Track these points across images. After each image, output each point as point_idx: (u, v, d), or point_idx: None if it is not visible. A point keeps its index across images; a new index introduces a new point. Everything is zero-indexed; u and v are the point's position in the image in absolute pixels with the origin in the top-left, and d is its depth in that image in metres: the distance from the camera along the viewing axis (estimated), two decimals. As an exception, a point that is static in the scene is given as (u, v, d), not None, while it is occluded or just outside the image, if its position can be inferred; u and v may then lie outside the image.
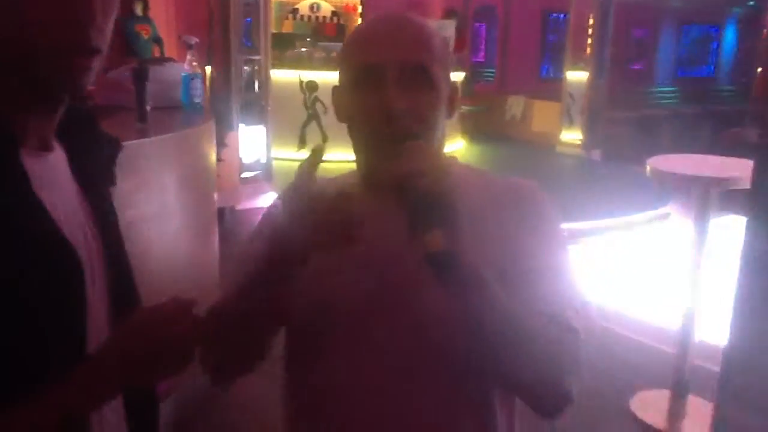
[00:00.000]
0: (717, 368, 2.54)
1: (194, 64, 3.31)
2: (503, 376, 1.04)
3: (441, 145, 1.10)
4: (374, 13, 1.12)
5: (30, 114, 0.84)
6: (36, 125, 0.85)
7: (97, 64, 0.84)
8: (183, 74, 3.27)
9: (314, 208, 0.90)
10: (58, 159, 0.90)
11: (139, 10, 8.28)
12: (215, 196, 3.43)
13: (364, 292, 1.05)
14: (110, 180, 1.04)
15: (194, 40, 3.43)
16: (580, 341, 0.99)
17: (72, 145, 0.93)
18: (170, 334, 0.83)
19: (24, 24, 0.78)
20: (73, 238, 0.85)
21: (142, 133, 2.73)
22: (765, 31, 13.26)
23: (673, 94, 14.54)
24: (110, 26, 0.85)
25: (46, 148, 0.88)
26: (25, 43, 0.78)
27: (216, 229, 3.38)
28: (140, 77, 2.83)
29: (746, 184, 2.32)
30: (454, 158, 1.16)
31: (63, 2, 0.78)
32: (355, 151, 1.12)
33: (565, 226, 1.16)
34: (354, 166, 1.17)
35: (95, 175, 0.98)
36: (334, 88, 1.13)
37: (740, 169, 2.80)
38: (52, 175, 0.87)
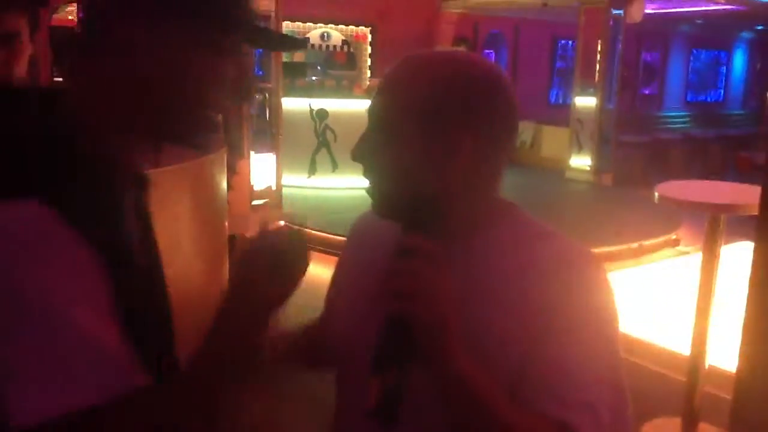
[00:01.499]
0: (728, 396, 2.52)
1: (206, 94, 3.36)
2: None
3: (482, 206, 1.01)
4: (392, 48, 1.07)
5: (139, 151, 0.95)
6: (140, 160, 0.97)
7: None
8: (195, 104, 3.31)
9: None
10: None
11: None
12: (226, 224, 3.46)
13: (368, 328, 1.02)
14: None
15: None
16: None
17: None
18: (282, 260, 0.88)
19: (190, 82, 0.89)
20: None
21: (155, 163, 2.76)
22: (774, 55, 13.27)
23: (682, 119, 14.55)
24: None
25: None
26: (186, 97, 0.89)
27: (227, 258, 3.40)
28: (153, 108, 2.87)
29: (755, 210, 2.32)
30: (512, 206, 1.05)
31: (223, 69, 0.90)
32: None
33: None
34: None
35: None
36: None
37: (750, 196, 2.81)
38: None
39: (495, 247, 0.94)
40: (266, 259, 0.86)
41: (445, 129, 0.94)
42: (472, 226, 1.00)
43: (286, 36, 0.96)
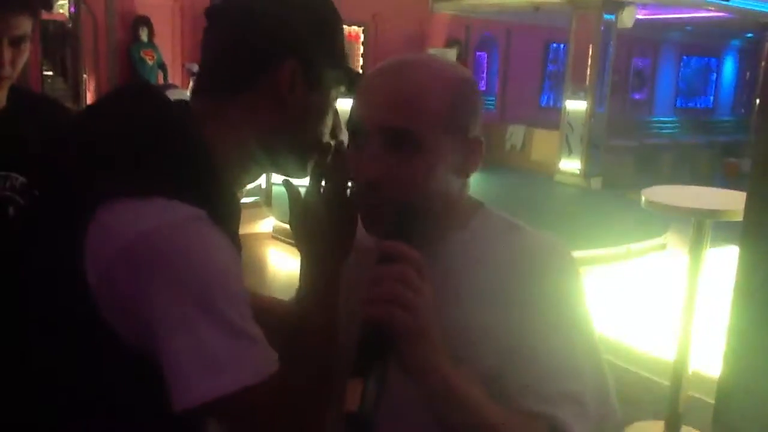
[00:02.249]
0: (711, 400, 2.54)
1: (196, 91, 3.35)
2: None
3: (454, 208, 1.00)
4: (377, 53, 1.08)
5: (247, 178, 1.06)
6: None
7: None
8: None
9: None
10: None
11: (144, 36, 8.38)
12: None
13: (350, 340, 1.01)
14: None
15: (197, 67, 3.47)
16: None
17: None
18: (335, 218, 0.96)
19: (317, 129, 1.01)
20: None
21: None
22: (763, 63, 13.38)
23: (672, 124, 14.63)
24: None
25: None
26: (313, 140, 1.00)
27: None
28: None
29: (740, 216, 2.34)
30: (481, 205, 1.05)
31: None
32: None
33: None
34: None
35: None
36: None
37: (735, 201, 2.83)
38: None
39: (468, 246, 0.94)
40: (323, 214, 0.95)
41: (462, 134, 0.96)
42: (445, 227, 1.00)
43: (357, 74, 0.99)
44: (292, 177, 1.03)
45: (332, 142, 1.00)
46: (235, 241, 0.95)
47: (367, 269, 0.83)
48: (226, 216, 0.92)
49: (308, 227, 0.97)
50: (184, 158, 0.89)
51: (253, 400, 0.82)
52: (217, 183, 0.92)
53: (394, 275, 0.79)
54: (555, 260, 0.99)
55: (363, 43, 11.15)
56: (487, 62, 12.90)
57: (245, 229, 6.46)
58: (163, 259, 0.82)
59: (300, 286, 0.97)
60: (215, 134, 0.94)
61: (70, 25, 8.69)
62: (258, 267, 6.06)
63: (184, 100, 0.99)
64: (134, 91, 1.00)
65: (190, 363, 0.81)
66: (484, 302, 0.92)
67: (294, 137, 0.99)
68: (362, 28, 11.03)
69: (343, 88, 1.02)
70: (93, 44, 8.38)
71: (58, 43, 9.13)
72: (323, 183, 0.97)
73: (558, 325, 0.93)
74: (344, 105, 0.92)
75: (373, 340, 0.77)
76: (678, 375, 3.04)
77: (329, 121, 1.03)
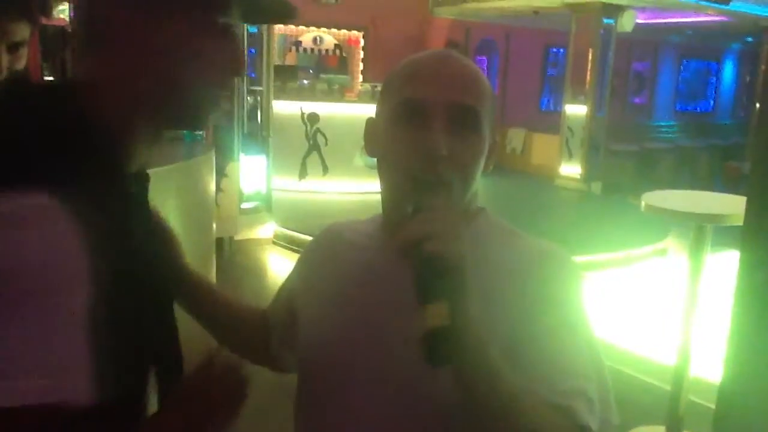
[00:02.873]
0: (712, 405, 2.53)
1: (196, 96, 3.36)
2: None
3: (473, 199, 1.03)
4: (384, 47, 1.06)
5: (143, 144, 0.91)
6: (143, 154, 0.92)
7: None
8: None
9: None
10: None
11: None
12: (214, 226, 3.45)
13: (354, 352, 1.01)
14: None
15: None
16: None
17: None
18: (221, 395, 0.90)
19: (193, 65, 0.88)
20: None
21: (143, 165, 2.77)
22: (763, 66, 13.39)
23: (672, 128, 14.64)
24: None
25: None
26: (191, 80, 0.89)
27: (213, 260, 3.40)
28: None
29: (740, 221, 2.33)
30: (483, 209, 1.07)
31: (222, 48, 0.90)
32: (382, 189, 1.04)
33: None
34: (358, 199, 1.11)
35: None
36: (369, 120, 1.06)
37: (735, 206, 2.82)
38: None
39: (470, 247, 0.94)
40: (205, 394, 0.89)
41: (492, 128, 1.02)
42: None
43: (275, 2, 0.94)
44: (191, 129, 1.01)
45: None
46: (121, 225, 0.84)
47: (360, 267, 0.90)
48: (101, 198, 0.82)
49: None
50: (26, 140, 0.80)
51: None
52: (85, 162, 0.82)
53: (429, 217, 0.82)
54: (557, 263, 1.01)
55: (363, 48, 11.17)
56: (487, 66, 12.92)
57: (246, 234, 6.47)
58: None
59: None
60: (93, 106, 0.87)
61: (70, 30, 8.70)
62: (259, 272, 6.06)
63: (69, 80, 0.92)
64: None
65: None
66: (487, 301, 0.92)
67: (160, 83, 0.89)
68: (362, 32, 11.05)
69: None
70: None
71: (58, 46, 9.14)
72: None
73: (562, 326, 0.95)
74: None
75: (431, 271, 0.78)
76: (679, 379, 3.04)
77: (209, 55, 0.90)
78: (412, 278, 0.79)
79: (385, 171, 1.01)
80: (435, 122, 0.94)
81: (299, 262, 1.21)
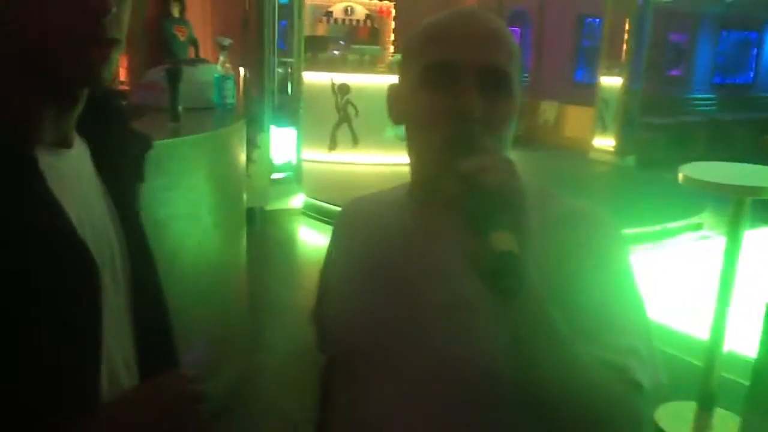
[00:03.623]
0: (746, 381, 2.50)
1: (227, 65, 3.35)
2: (549, 423, 0.88)
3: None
4: (449, 10, 0.95)
5: (47, 109, 0.82)
6: (54, 120, 0.83)
7: (115, 55, 0.81)
8: (216, 75, 3.31)
9: None
10: (79, 155, 0.89)
11: (176, 11, 8.39)
12: (245, 196, 3.47)
13: (395, 319, 0.96)
14: (139, 177, 1.03)
15: (227, 41, 3.47)
16: (642, 402, 0.87)
17: (98, 140, 0.92)
18: (166, 413, 0.84)
19: (39, 17, 0.76)
20: (92, 237, 0.84)
21: (174, 133, 2.78)
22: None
23: (710, 101, 14.30)
24: (127, 15, 0.84)
25: (65, 144, 0.86)
26: (40, 36, 0.76)
27: (244, 229, 3.41)
28: (173, 78, 2.87)
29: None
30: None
31: None
32: (411, 156, 1.00)
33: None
34: (389, 170, 1.06)
35: (122, 172, 0.97)
36: (392, 86, 1.02)
37: (776, 179, 2.76)
38: (72, 172, 0.86)
39: None
40: (148, 408, 0.84)
41: (520, 91, 0.98)
42: None
43: None
44: (71, 93, 0.85)
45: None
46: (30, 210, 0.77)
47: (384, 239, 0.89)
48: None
49: None
50: None
51: None
52: None
53: (482, 156, 0.81)
54: (598, 220, 1.00)
55: (394, 19, 11.05)
56: (520, 37, 12.71)
57: (275, 205, 6.50)
58: None
59: None
60: None
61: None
62: (288, 243, 6.09)
63: None
64: None
65: None
66: (539, 262, 0.85)
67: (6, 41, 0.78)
68: (393, 2, 10.93)
69: None
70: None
71: None
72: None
73: (611, 283, 0.93)
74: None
75: (493, 203, 0.77)
76: (711, 355, 2.99)
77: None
78: (470, 211, 0.77)
79: (414, 137, 0.97)
80: (465, 84, 0.90)
81: (328, 248, 1.15)
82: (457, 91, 0.90)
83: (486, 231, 0.75)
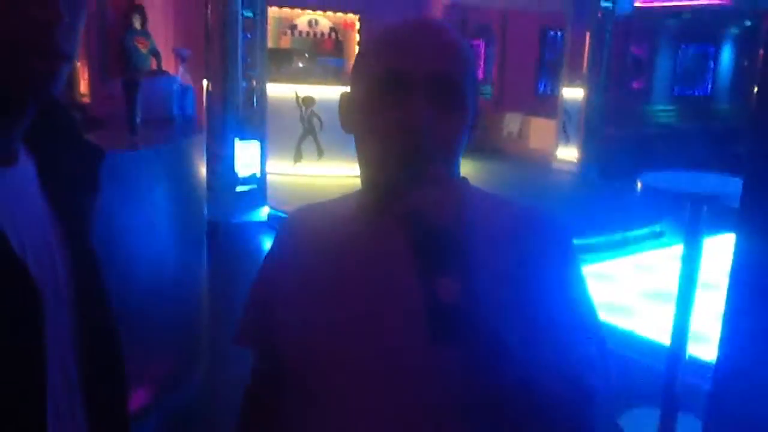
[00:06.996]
0: (708, 386, 2.52)
1: (187, 76, 3.32)
2: None
3: (455, 172, 0.97)
4: (397, 20, 0.93)
5: None
6: None
7: (65, 69, 0.75)
8: (175, 87, 3.28)
9: None
10: (23, 172, 0.82)
11: (137, 23, 8.32)
12: (205, 209, 3.42)
13: (346, 336, 0.93)
14: (92, 189, 0.97)
15: (186, 52, 3.44)
16: (596, 411, 0.88)
17: (46, 154, 0.87)
18: None
19: None
20: (35, 261, 0.78)
21: (131, 145, 2.73)
22: (761, 50, 13.33)
23: (670, 112, 14.59)
24: (80, 28, 0.78)
25: (8, 161, 0.79)
26: None
27: (204, 241, 3.37)
28: (130, 89, 2.83)
29: (737, 201, 2.31)
30: (464, 179, 0.99)
31: (23, 1, 0.70)
32: (362, 167, 0.96)
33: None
34: (354, 183, 1.01)
35: (73, 186, 0.91)
36: (343, 95, 0.99)
37: (732, 186, 2.80)
38: (13, 192, 0.79)
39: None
40: None
41: (474, 104, 0.95)
42: None
43: None
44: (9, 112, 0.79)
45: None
46: None
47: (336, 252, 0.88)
48: None
49: None
50: None
51: None
52: None
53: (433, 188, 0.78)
54: (547, 225, 0.99)
55: (358, 31, 11.09)
56: (483, 50, 12.84)
57: (240, 218, 6.44)
58: None
59: None
60: None
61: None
62: (252, 256, 6.03)
63: None
64: None
65: None
66: (483, 269, 0.85)
67: None
68: (358, 15, 10.96)
69: None
70: (85, 33, 8.31)
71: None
72: None
73: (566, 288, 0.94)
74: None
75: (434, 243, 0.75)
76: (674, 360, 3.02)
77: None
78: (411, 252, 0.75)
79: (363, 147, 0.94)
80: (415, 94, 0.87)
81: (268, 258, 1.10)
82: (406, 101, 0.87)
83: (432, 271, 0.74)
